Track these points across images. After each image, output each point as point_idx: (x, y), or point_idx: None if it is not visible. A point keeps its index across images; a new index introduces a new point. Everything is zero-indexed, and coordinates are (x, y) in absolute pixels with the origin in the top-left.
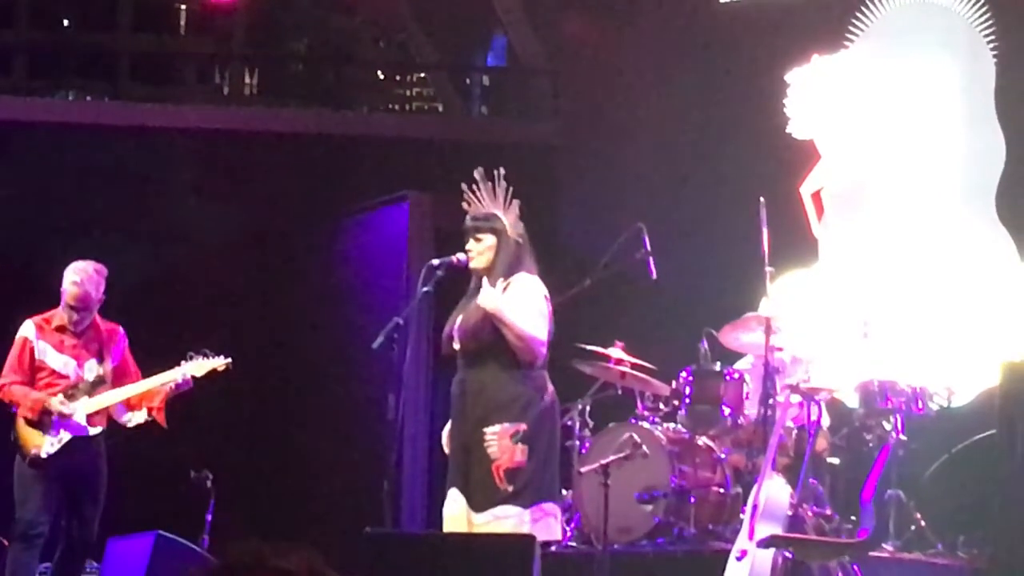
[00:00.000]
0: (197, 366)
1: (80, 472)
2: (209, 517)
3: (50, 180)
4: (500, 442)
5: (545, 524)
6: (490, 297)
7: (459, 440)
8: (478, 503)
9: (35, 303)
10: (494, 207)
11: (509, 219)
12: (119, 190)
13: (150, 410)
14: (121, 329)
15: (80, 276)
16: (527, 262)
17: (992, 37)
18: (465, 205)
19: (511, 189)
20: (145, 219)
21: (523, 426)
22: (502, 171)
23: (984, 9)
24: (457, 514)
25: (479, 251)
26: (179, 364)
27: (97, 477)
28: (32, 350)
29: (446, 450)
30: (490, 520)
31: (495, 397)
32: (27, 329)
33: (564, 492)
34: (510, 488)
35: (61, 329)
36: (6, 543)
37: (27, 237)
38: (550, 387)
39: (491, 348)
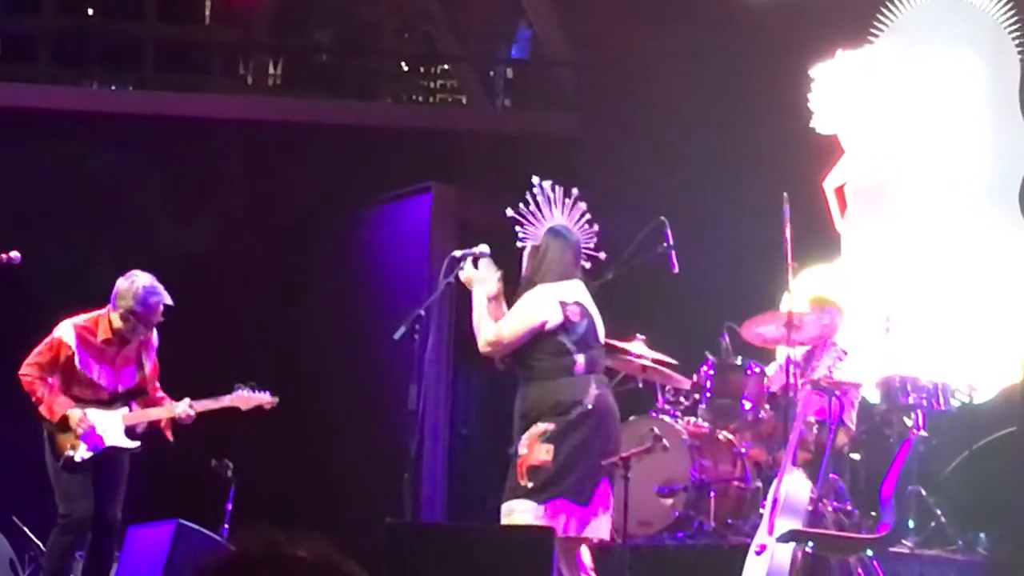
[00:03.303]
0: (242, 399)
1: (108, 460)
2: (229, 506)
3: (73, 168)
4: (529, 440)
5: (558, 523)
6: (466, 273)
7: (513, 448)
8: (503, 495)
9: (59, 297)
10: (547, 216)
11: (559, 224)
12: (143, 178)
13: (157, 424)
14: (155, 332)
15: (163, 295)
16: (552, 273)
17: (1018, 34)
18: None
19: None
20: (168, 207)
21: (551, 426)
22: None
23: (1009, 5)
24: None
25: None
26: (225, 393)
27: (121, 463)
28: (70, 359)
29: None
30: (506, 512)
31: (535, 406)
32: (67, 335)
33: None
34: (530, 484)
35: (108, 341)
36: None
37: (51, 224)
38: (593, 392)
39: (527, 357)
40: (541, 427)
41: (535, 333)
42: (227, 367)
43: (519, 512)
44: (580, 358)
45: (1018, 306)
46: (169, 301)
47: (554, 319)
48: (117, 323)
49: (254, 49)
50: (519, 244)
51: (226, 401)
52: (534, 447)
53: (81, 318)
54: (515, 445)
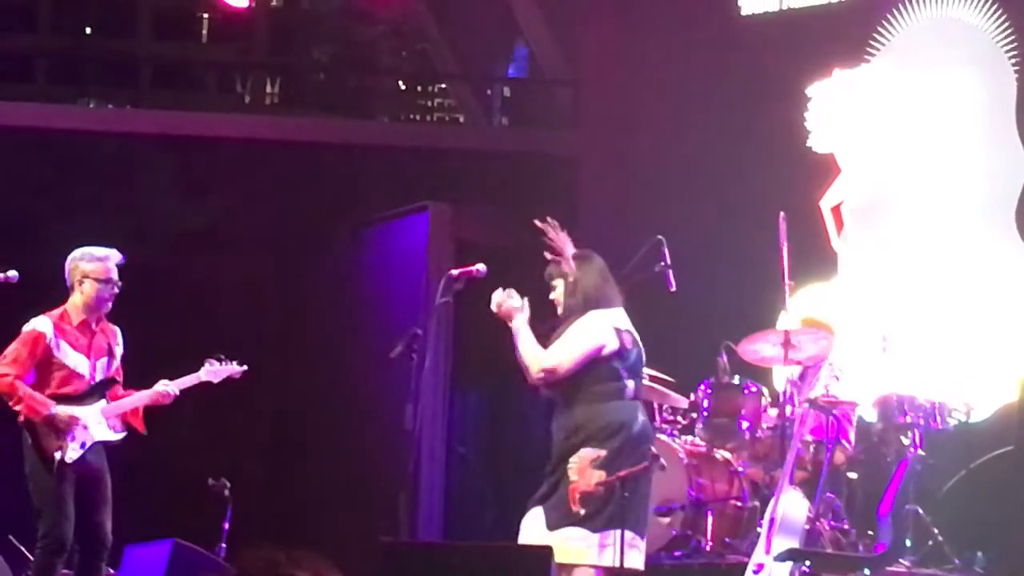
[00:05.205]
0: (212, 373)
1: (92, 474)
2: (226, 525)
3: (71, 186)
4: (580, 466)
5: (612, 552)
6: (506, 304)
7: (551, 465)
8: (552, 522)
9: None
10: (568, 250)
11: (577, 262)
12: (139, 197)
13: (127, 416)
14: (119, 334)
15: (117, 265)
16: (603, 300)
17: (1014, 53)
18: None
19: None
20: (165, 227)
21: (603, 452)
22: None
23: (1006, 25)
24: (535, 531)
25: (557, 298)
26: (197, 369)
27: (105, 477)
28: (49, 348)
29: None
30: (559, 540)
31: (583, 427)
32: (43, 326)
33: None
34: (583, 511)
35: (82, 326)
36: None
37: (49, 243)
38: (640, 418)
39: (579, 382)
40: (593, 452)
41: (591, 358)
42: (224, 385)
43: (573, 539)
44: (630, 384)
45: (1015, 325)
46: (118, 257)
47: (611, 345)
48: (80, 299)
49: (251, 67)
50: (554, 286)
51: (202, 376)
52: (585, 472)
53: (52, 312)
54: (551, 464)
